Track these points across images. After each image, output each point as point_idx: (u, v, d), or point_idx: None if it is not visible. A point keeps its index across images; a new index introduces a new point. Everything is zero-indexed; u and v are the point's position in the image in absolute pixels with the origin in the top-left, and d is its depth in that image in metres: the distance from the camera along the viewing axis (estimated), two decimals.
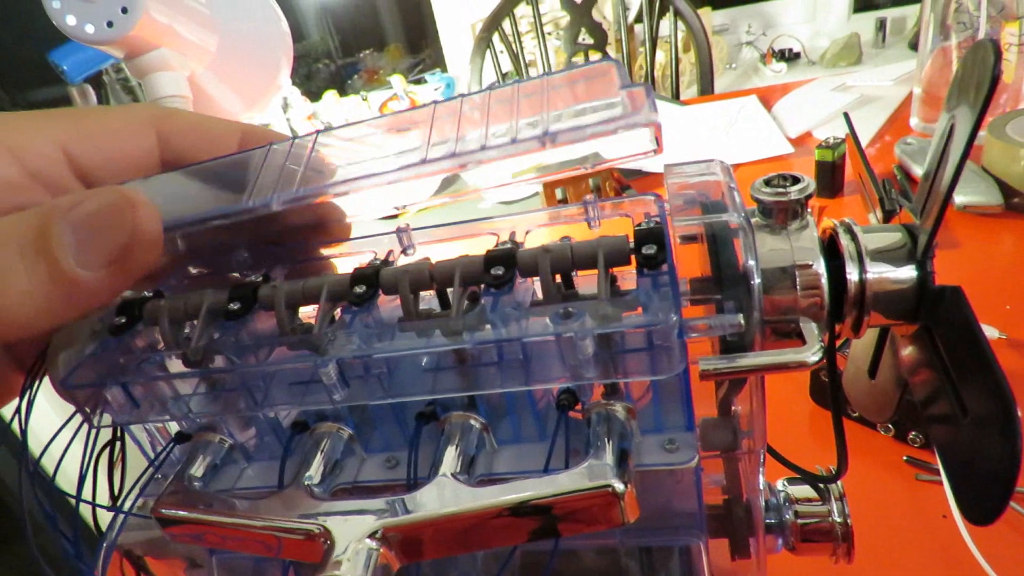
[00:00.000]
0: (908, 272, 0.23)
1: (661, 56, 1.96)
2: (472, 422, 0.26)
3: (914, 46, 2.22)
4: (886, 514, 0.48)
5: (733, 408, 0.28)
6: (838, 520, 0.31)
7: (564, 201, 1.00)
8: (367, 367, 0.24)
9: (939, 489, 0.48)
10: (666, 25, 1.70)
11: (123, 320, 0.29)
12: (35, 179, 0.22)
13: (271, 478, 0.29)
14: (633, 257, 0.25)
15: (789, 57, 2.36)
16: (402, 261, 0.31)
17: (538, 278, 0.26)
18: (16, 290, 0.17)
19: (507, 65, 1.98)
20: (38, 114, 0.22)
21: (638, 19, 1.67)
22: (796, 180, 0.24)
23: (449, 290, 0.27)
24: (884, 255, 0.24)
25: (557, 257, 0.25)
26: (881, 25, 2.33)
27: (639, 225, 0.26)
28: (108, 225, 0.17)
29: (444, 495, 0.23)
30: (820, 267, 0.23)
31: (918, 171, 0.82)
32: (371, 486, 0.27)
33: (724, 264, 0.23)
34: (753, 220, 0.25)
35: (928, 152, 0.24)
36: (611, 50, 1.88)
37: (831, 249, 0.25)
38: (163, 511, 0.26)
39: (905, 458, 0.51)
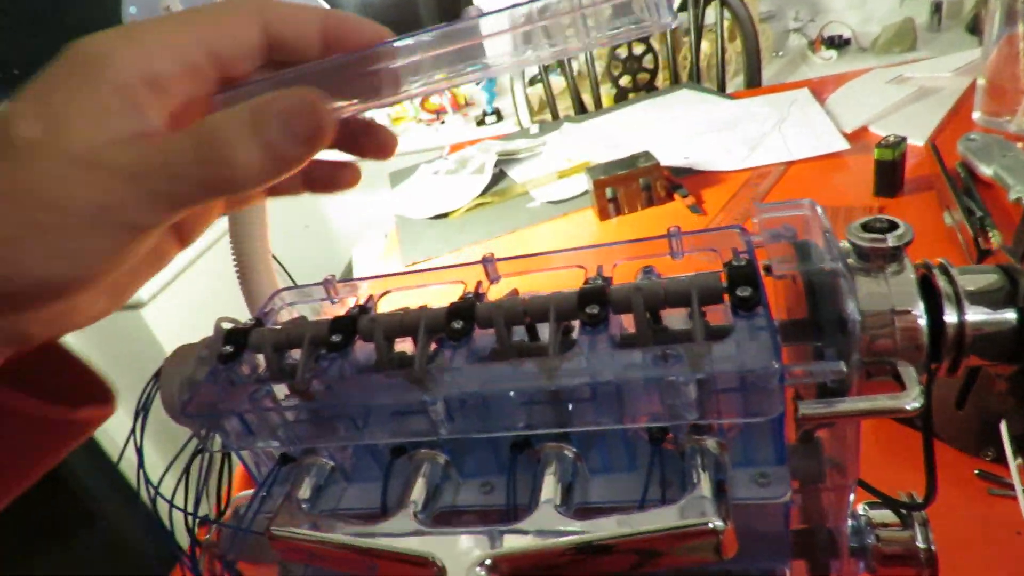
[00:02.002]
0: (1008, 315, 0.23)
1: (706, 46, 1.93)
2: (566, 452, 0.28)
3: (972, 30, 2.13)
4: (957, 529, 0.48)
5: (816, 435, 0.28)
6: (922, 546, 0.31)
7: (614, 201, 1.00)
8: (466, 401, 0.26)
9: (1012, 504, 0.48)
10: (711, 14, 1.67)
11: (231, 349, 0.31)
12: (195, 73, 0.25)
13: (372, 499, 0.30)
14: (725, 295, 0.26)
15: (839, 44, 2.29)
16: (491, 292, 0.32)
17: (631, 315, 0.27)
18: (242, 158, 0.23)
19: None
20: (175, 17, 0.25)
21: (682, 8, 1.65)
22: (893, 225, 0.25)
23: (541, 324, 0.29)
24: (982, 297, 0.24)
25: (650, 296, 0.26)
26: (936, 8, 2.24)
27: (730, 263, 0.27)
28: (301, 114, 0.24)
29: (550, 526, 0.24)
30: (919, 311, 0.23)
31: (984, 170, 0.80)
32: (470, 511, 0.29)
33: (824, 310, 0.23)
34: (848, 260, 0.25)
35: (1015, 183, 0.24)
36: (654, 41, 1.85)
37: (926, 289, 0.25)
38: (274, 531, 0.28)
39: (977, 472, 0.50)
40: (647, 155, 0.99)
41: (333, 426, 0.28)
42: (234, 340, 0.31)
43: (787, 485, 0.26)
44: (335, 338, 0.30)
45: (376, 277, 0.35)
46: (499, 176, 1.22)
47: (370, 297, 0.34)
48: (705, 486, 0.25)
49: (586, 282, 0.28)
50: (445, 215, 1.16)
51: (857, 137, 1.03)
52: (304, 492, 0.30)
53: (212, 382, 0.30)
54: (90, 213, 0.22)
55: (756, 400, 0.23)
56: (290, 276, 2.09)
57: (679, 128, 1.21)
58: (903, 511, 0.32)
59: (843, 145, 1.01)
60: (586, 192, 1.04)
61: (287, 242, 1.97)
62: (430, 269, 0.34)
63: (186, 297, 1.63)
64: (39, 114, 0.22)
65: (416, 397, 0.25)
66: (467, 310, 0.28)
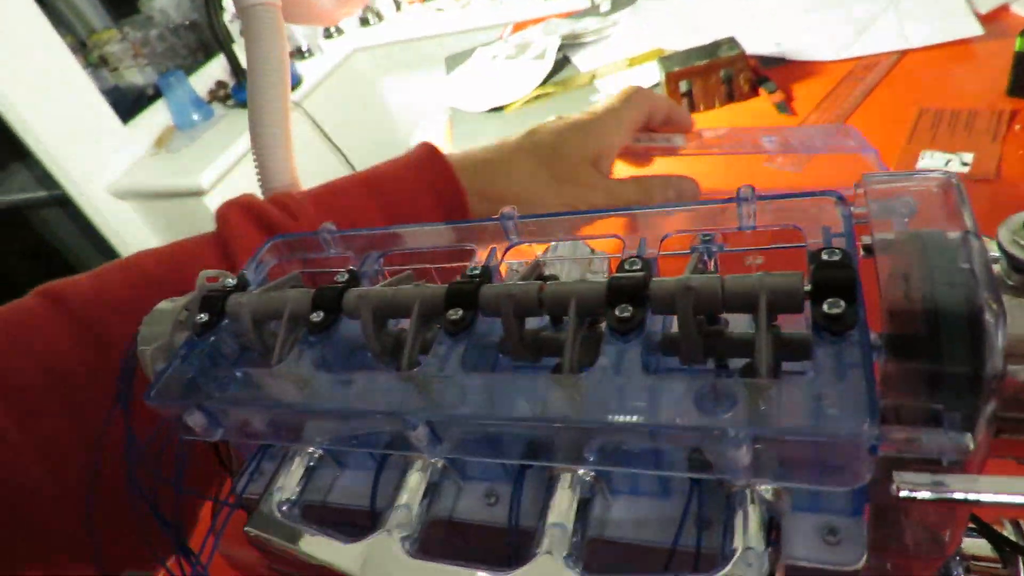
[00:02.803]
0: None
1: None
2: (583, 475, 0.23)
3: None
4: None
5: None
6: None
7: (688, 95, 0.88)
8: (454, 425, 0.21)
9: None
10: None
11: (206, 318, 0.27)
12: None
13: (364, 492, 0.27)
14: (807, 303, 0.19)
15: None
16: (507, 263, 0.26)
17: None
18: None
19: None
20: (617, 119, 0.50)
21: None
22: None
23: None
24: None
25: (703, 298, 0.20)
26: None
27: (818, 255, 0.20)
28: (686, 191, 0.51)
29: None
30: None
31: None
32: (468, 525, 0.25)
33: (949, 344, 0.16)
34: (992, 267, 0.18)
35: None
36: None
37: None
38: (249, 531, 0.25)
39: None
40: (731, 42, 0.86)
41: (308, 426, 0.24)
42: (210, 307, 0.27)
43: (862, 547, 0.20)
44: (316, 317, 0.25)
45: (377, 231, 0.30)
46: (562, 63, 1.10)
47: (365, 257, 0.28)
48: (753, 551, 0.19)
49: (621, 265, 0.22)
50: (501, 108, 1.07)
51: (994, 19, 0.85)
52: (289, 481, 0.27)
53: (184, 359, 0.26)
54: (587, 204, 0.47)
55: (834, 470, 0.17)
56: (349, 161, 2.05)
57: (772, 7, 1.04)
58: (1007, 548, 0.26)
59: (975, 30, 0.84)
60: (657, 84, 0.92)
61: (346, 130, 1.91)
62: (438, 225, 0.28)
63: (248, 182, 1.63)
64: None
65: (406, 427, 0.20)
66: (468, 295, 0.23)
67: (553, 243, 0.36)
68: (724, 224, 0.24)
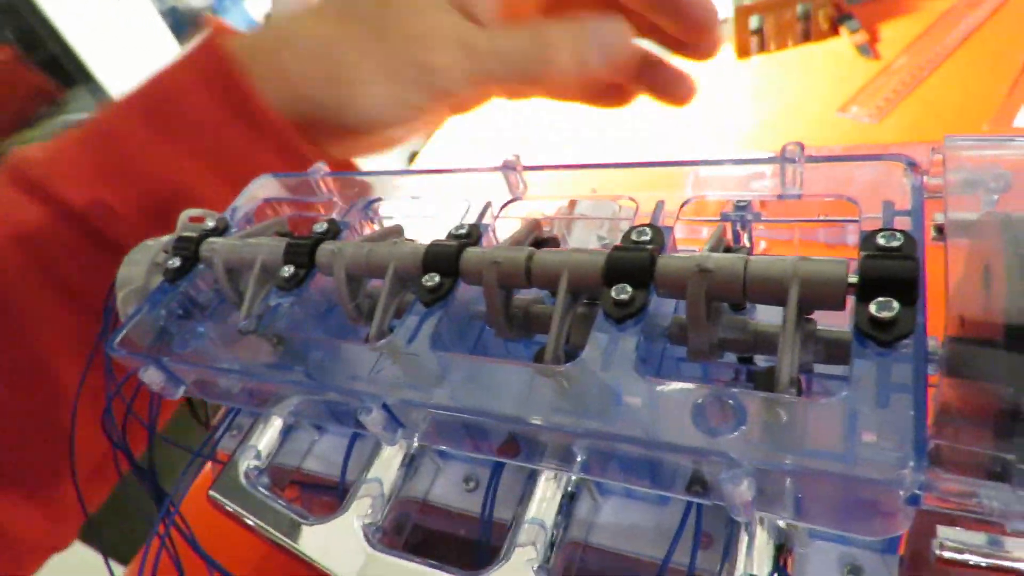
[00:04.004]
0: None
1: None
2: (567, 475, 0.20)
3: None
4: None
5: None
6: None
7: (759, 33, 0.80)
8: (415, 411, 0.18)
9: None
10: None
11: (178, 262, 0.25)
12: None
13: (339, 462, 0.25)
14: (851, 300, 0.15)
15: None
16: (504, 221, 0.23)
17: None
18: (558, 63, 0.29)
19: None
20: None
21: None
22: None
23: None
24: None
25: (719, 284, 0.16)
26: None
27: (872, 239, 0.15)
28: (614, 41, 0.31)
29: None
30: None
31: None
32: (441, 509, 0.22)
33: None
34: None
35: None
36: None
37: None
38: (212, 494, 0.23)
39: None
40: None
41: (267, 395, 0.22)
42: (183, 250, 0.25)
43: None
44: (286, 271, 0.22)
45: (372, 174, 0.26)
46: None
47: (351, 207, 0.25)
48: (759, 564, 0.16)
49: (627, 235, 0.18)
50: None
51: None
52: (261, 444, 0.25)
53: (153, 306, 0.24)
54: (425, 69, 0.28)
55: (862, 512, 0.14)
56: None
57: None
58: None
59: None
60: (725, 20, 0.84)
61: None
62: (439, 171, 0.25)
63: None
64: None
65: (360, 408, 0.18)
66: (448, 259, 0.19)
67: (576, 200, 0.32)
68: (764, 189, 0.20)
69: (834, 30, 0.77)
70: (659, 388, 0.15)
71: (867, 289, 0.15)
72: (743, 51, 0.80)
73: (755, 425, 0.14)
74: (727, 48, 0.82)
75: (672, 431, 0.14)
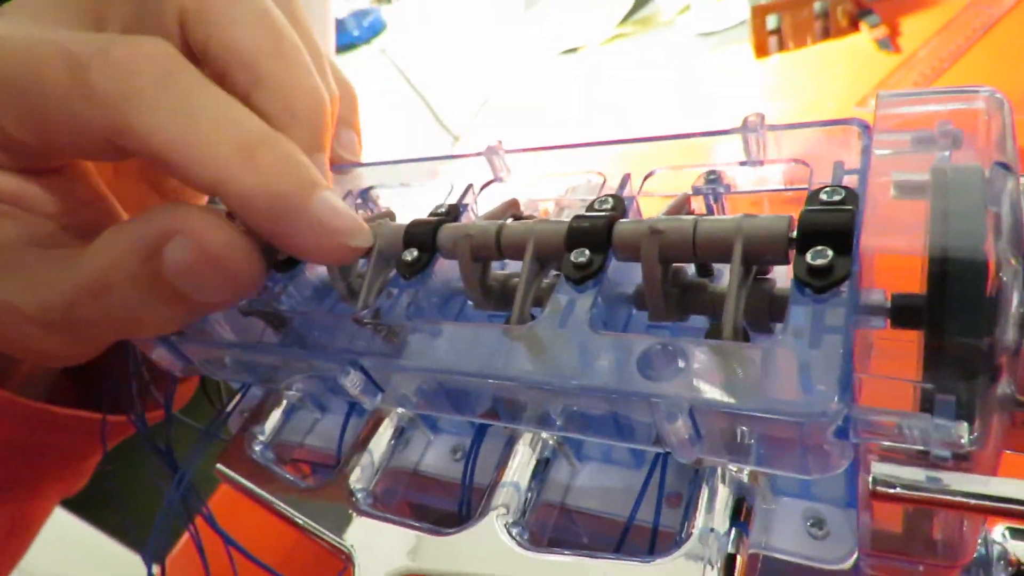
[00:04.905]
0: None
1: None
2: (545, 438, 0.20)
3: None
4: None
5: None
6: None
7: (777, 32, 0.80)
8: (393, 374, 0.19)
9: None
10: None
11: None
12: None
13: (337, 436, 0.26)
14: (793, 254, 0.16)
15: None
16: (488, 198, 0.24)
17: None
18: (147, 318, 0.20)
19: None
20: None
21: None
22: None
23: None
24: None
25: (671, 243, 0.17)
26: None
27: (816, 195, 0.16)
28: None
29: (487, 551, 0.18)
30: None
31: None
32: (429, 478, 0.23)
33: (955, 326, 0.13)
34: None
35: None
36: None
37: None
38: (220, 468, 0.25)
39: None
40: None
41: (269, 368, 0.23)
42: None
43: (852, 544, 0.17)
44: (282, 255, 0.24)
45: (366, 165, 0.28)
46: (642, 1, 1.03)
47: (348, 193, 0.27)
48: (718, 518, 0.17)
49: (591, 205, 0.19)
50: (575, 50, 1.02)
51: None
52: (267, 420, 0.26)
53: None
54: None
55: (797, 450, 0.14)
56: (433, 112, 2.04)
57: None
58: None
59: None
60: (743, 22, 0.84)
61: (430, 78, 1.90)
62: (428, 159, 0.26)
63: None
64: None
65: (338, 373, 0.19)
66: (425, 235, 0.21)
67: (573, 181, 0.33)
68: (728, 158, 0.20)
69: (854, 26, 0.77)
70: (611, 341, 0.16)
71: (806, 240, 0.15)
72: (761, 51, 0.80)
73: (695, 369, 0.15)
74: (746, 48, 0.83)
75: (620, 379, 0.15)
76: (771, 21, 0.79)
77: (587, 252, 0.18)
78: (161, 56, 0.17)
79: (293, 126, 0.19)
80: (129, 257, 0.17)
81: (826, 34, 0.78)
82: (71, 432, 0.27)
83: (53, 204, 0.20)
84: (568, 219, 0.19)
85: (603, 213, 0.18)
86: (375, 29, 1.84)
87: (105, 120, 0.16)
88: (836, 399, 0.13)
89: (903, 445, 0.13)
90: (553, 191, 0.27)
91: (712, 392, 0.14)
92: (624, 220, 0.18)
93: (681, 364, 0.15)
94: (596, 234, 0.18)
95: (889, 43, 0.73)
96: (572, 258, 0.18)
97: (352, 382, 0.19)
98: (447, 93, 1.90)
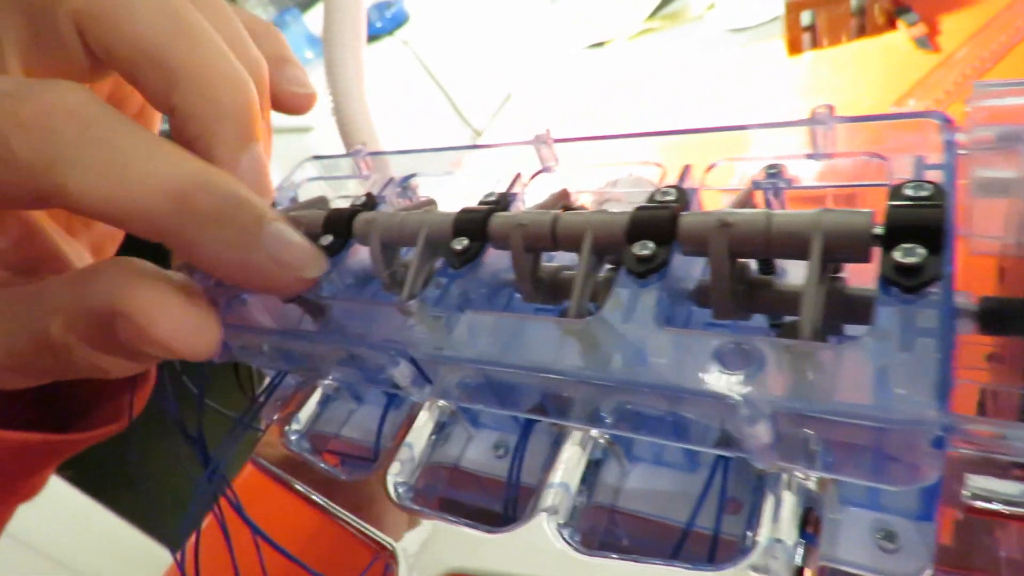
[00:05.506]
0: None
1: None
2: (595, 437, 0.20)
3: None
4: None
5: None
6: None
7: (811, 29, 0.79)
8: (443, 366, 0.18)
9: None
10: None
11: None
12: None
13: (374, 430, 0.25)
14: (878, 252, 0.15)
15: None
16: (538, 189, 0.23)
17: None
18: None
19: None
20: None
21: None
22: None
23: None
24: None
25: (741, 237, 0.16)
26: None
27: (900, 189, 0.15)
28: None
29: (539, 552, 0.17)
30: None
31: None
32: (471, 474, 0.23)
33: None
34: None
35: None
36: None
37: None
38: (256, 457, 0.24)
39: None
40: None
41: (303, 355, 0.23)
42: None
43: (926, 561, 0.16)
44: (325, 240, 0.23)
45: (407, 152, 0.27)
46: None
47: (390, 180, 0.26)
48: (785, 529, 0.16)
49: (652, 196, 0.18)
50: (602, 44, 1.01)
51: None
52: (303, 411, 0.26)
53: (206, 276, 0.25)
54: None
55: (887, 459, 0.13)
56: (456, 108, 2.03)
57: None
58: None
59: None
60: (776, 18, 0.83)
61: (451, 70, 1.90)
62: (474, 147, 0.26)
63: None
64: None
65: (388, 364, 0.18)
66: (476, 223, 0.20)
67: (614, 176, 0.32)
68: (793, 152, 0.19)
69: (891, 24, 0.75)
70: (679, 337, 0.15)
71: (893, 237, 0.14)
72: (794, 47, 0.79)
73: (774, 370, 0.14)
74: (778, 45, 0.81)
75: (691, 378, 0.14)
76: (805, 17, 0.77)
77: (651, 244, 0.17)
78: (75, 107, 0.15)
79: (220, 122, 0.18)
80: (77, 327, 0.17)
81: (862, 31, 0.76)
82: (19, 455, 0.26)
83: None
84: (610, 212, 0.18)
85: (666, 204, 0.18)
86: (398, 20, 1.83)
87: (32, 185, 0.15)
88: (935, 407, 0.12)
89: (1002, 456, 0.12)
90: (598, 183, 0.27)
91: (797, 395, 0.13)
92: (690, 212, 0.17)
93: (758, 364, 0.14)
94: (661, 226, 0.17)
95: (928, 42, 0.71)
96: (635, 250, 0.17)
97: (402, 373, 0.18)
98: (469, 87, 1.89)
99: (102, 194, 0.15)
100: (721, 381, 0.14)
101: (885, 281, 0.14)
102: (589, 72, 1.00)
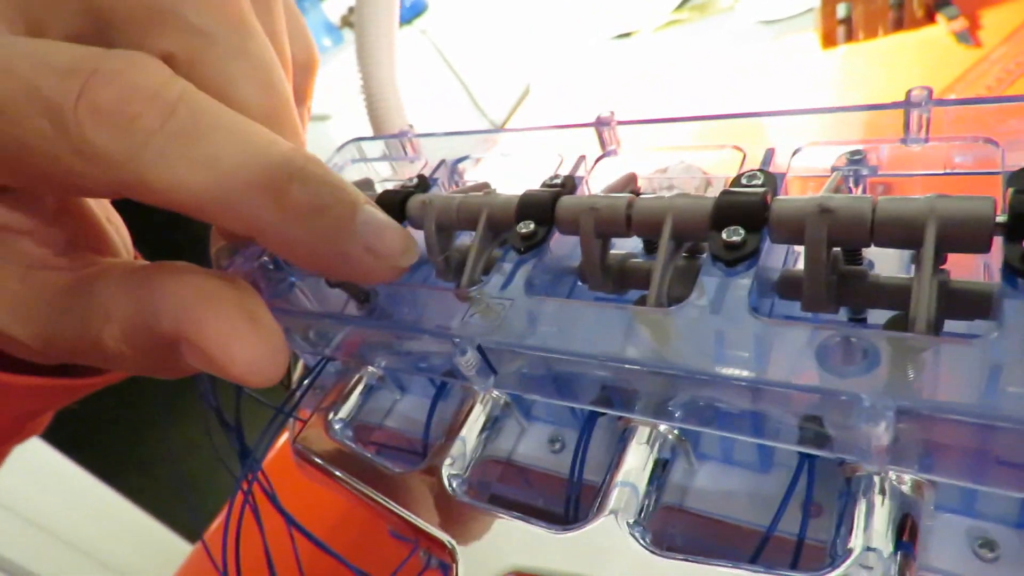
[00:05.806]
0: None
1: None
2: (664, 432, 0.19)
3: None
4: None
5: None
6: None
7: (847, 22, 0.77)
8: (507, 355, 0.17)
9: None
10: None
11: None
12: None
13: (422, 418, 0.24)
14: (999, 242, 0.14)
15: None
16: (598, 174, 0.22)
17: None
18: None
19: None
20: None
21: None
22: None
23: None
24: None
25: (844, 224, 0.15)
26: None
27: (1022, 179, 0.14)
28: None
29: (611, 553, 0.16)
30: None
31: None
32: (526, 469, 0.22)
33: None
34: None
35: None
36: None
37: None
38: (298, 445, 0.24)
39: None
40: None
41: (354, 342, 0.22)
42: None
43: None
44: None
45: (462, 134, 0.26)
46: None
47: (441, 163, 0.25)
48: (880, 537, 0.15)
49: (737, 180, 0.17)
50: (628, 35, 0.99)
51: None
52: (346, 399, 0.25)
53: (248, 259, 0.25)
54: None
55: (1006, 463, 0.12)
56: (474, 99, 2.03)
57: None
58: None
59: None
60: (811, 9, 0.81)
61: (470, 61, 1.89)
62: (530, 128, 0.25)
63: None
64: None
65: (454, 351, 0.17)
66: (543, 206, 0.19)
67: (666, 166, 0.31)
68: (884, 137, 0.18)
69: (930, 17, 0.73)
70: (779, 329, 0.14)
71: (1018, 226, 0.13)
72: (829, 41, 0.77)
73: (889, 368, 0.13)
74: (810, 38, 0.79)
75: (796, 373, 0.13)
76: (841, 10, 0.76)
77: (741, 231, 0.16)
78: (158, 87, 0.14)
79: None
80: (134, 342, 0.16)
81: (899, 25, 0.75)
82: (26, 399, 0.25)
83: (21, 220, 0.17)
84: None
85: (755, 188, 0.16)
86: (417, 9, 1.82)
87: (110, 177, 0.14)
88: None
89: None
90: (655, 168, 0.26)
91: (921, 394, 0.12)
92: (783, 197, 0.16)
93: (872, 359, 0.13)
94: (751, 211, 0.16)
95: (969, 36, 0.69)
96: (724, 236, 0.16)
97: (468, 363, 0.17)
98: (488, 78, 1.88)
99: (191, 191, 0.14)
100: (832, 378, 0.13)
101: (1012, 272, 0.13)
102: (613, 64, 0.98)
